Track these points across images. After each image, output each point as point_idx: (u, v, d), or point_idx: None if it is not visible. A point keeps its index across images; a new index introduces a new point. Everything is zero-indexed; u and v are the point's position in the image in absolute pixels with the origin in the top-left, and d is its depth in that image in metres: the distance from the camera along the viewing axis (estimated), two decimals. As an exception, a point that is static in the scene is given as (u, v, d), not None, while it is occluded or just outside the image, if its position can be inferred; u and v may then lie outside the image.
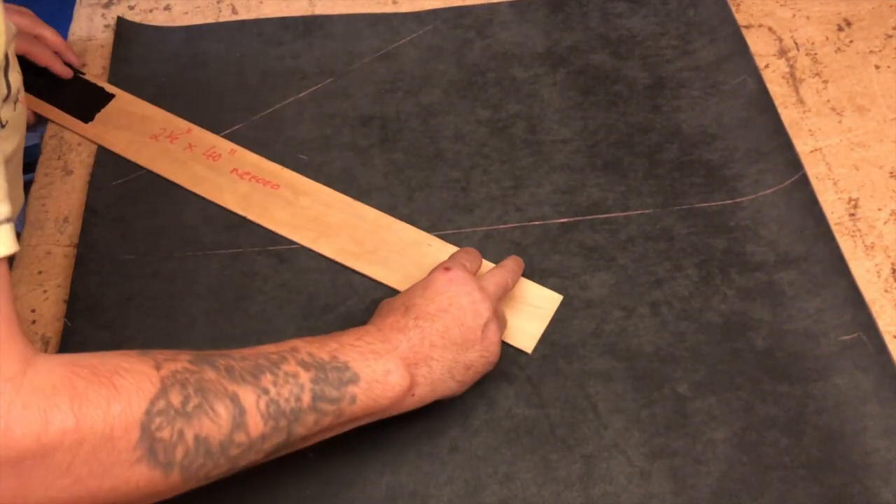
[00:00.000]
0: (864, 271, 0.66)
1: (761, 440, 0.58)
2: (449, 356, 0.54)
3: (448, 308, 0.54)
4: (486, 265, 0.66)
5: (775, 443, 0.58)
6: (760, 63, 0.79)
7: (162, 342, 0.63)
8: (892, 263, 0.67)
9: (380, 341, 0.52)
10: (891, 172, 0.72)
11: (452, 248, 0.67)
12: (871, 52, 0.80)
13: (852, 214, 0.69)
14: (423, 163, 0.73)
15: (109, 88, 0.79)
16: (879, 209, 0.70)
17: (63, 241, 0.70)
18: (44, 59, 0.78)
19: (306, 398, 0.47)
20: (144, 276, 0.67)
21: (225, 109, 0.77)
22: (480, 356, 0.55)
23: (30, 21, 0.79)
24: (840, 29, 0.82)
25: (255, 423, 0.45)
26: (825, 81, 0.78)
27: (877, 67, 0.79)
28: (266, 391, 0.45)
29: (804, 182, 0.70)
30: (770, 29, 0.82)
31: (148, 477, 0.41)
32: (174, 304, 0.66)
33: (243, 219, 0.70)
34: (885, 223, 0.69)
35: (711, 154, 0.73)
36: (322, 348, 0.50)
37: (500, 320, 0.58)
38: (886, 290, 0.65)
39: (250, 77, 0.80)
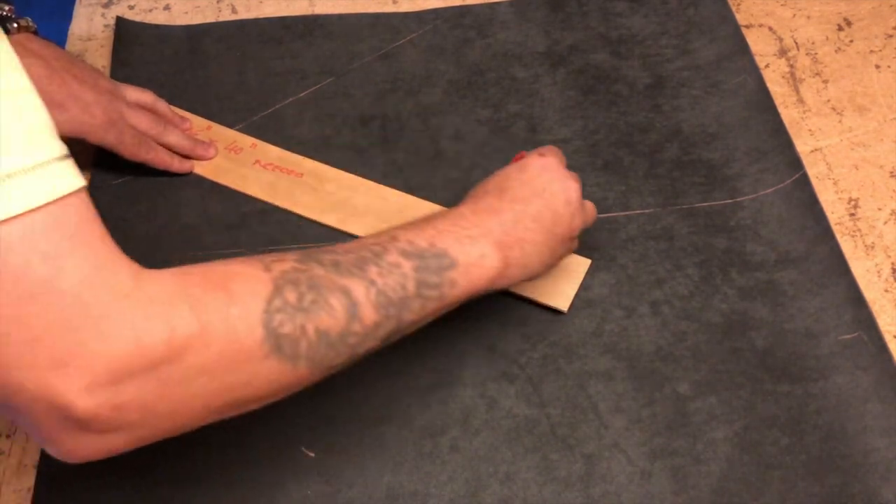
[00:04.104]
0: (865, 271, 0.66)
1: (762, 439, 0.58)
2: (539, 239, 0.55)
3: (542, 193, 0.56)
4: None
5: (776, 442, 0.58)
6: (760, 63, 0.79)
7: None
8: (893, 263, 0.67)
9: (474, 225, 0.53)
10: (891, 172, 0.72)
11: None
12: (871, 51, 0.80)
13: (852, 214, 0.69)
14: (423, 163, 0.73)
15: None
16: (879, 209, 0.70)
17: (63, 241, 0.70)
18: (163, 164, 0.72)
19: (411, 286, 0.49)
20: (144, 276, 0.67)
21: (225, 109, 0.77)
22: (565, 240, 0.57)
23: (153, 123, 0.71)
24: (840, 29, 0.82)
25: (368, 314, 0.46)
26: (825, 81, 0.78)
27: (877, 67, 0.79)
28: (373, 283, 0.47)
29: (804, 182, 0.70)
30: (770, 28, 0.82)
31: (278, 370, 0.43)
32: (174, 303, 0.65)
33: (243, 219, 0.70)
34: (885, 223, 0.69)
35: (712, 153, 0.73)
36: (420, 235, 0.51)
37: (586, 211, 0.60)
38: (886, 290, 0.65)
39: (250, 77, 0.80)
